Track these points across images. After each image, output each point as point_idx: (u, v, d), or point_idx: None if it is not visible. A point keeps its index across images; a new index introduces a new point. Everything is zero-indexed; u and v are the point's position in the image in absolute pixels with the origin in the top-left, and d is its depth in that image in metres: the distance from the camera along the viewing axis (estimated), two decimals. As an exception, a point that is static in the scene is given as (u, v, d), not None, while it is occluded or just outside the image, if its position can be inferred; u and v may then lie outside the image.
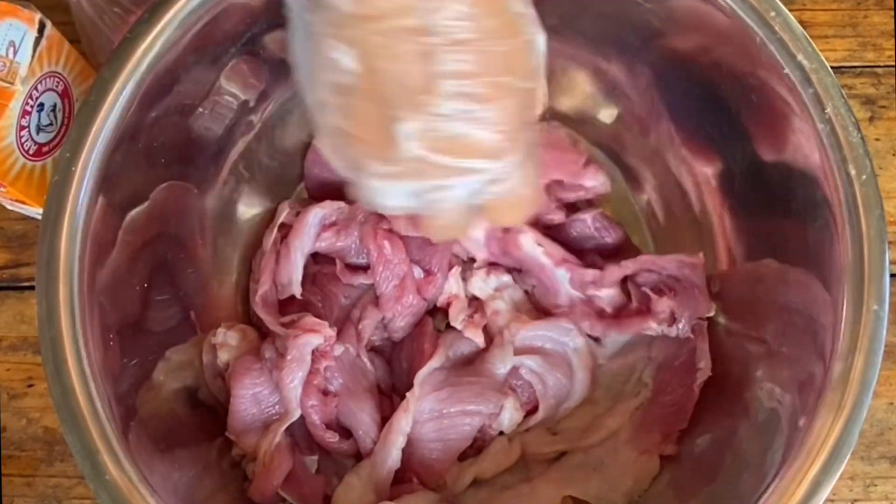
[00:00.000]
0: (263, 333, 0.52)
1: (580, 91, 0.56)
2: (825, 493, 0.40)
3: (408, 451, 0.49)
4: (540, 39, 0.38)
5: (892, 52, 0.59)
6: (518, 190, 0.39)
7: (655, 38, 0.50)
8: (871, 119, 0.59)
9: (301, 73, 0.38)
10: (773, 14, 0.42)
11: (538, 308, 0.54)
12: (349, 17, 0.34)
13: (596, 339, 0.53)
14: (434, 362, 0.50)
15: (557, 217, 0.54)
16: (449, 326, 0.53)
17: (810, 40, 0.42)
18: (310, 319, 0.49)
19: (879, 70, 0.59)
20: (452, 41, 0.34)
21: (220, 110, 0.51)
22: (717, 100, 0.49)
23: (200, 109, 0.49)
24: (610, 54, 0.54)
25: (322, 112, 0.37)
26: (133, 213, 0.46)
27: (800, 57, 0.42)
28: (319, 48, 0.36)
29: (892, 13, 0.60)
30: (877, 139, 0.58)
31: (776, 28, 0.42)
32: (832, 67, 0.42)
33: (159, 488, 0.41)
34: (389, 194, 0.38)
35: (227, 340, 0.50)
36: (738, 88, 0.46)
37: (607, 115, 0.56)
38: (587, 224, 0.54)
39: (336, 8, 0.34)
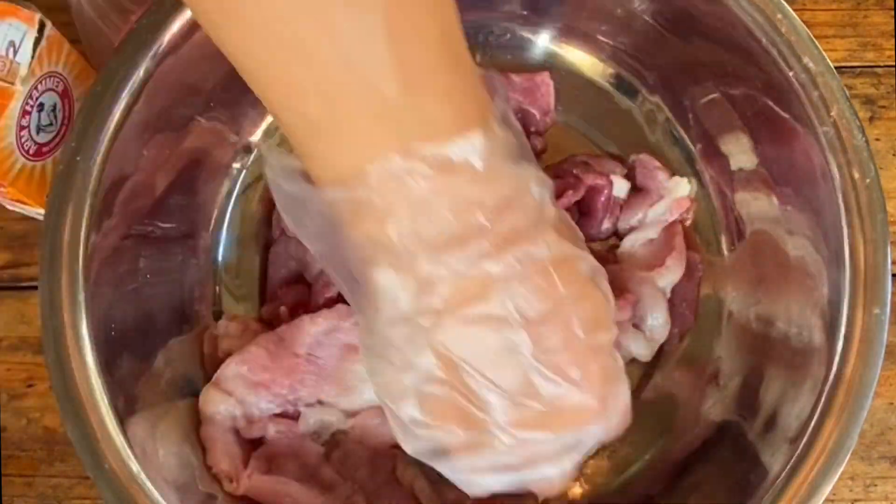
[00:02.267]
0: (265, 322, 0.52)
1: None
2: (825, 493, 0.40)
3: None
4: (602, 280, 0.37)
5: (892, 52, 0.59)
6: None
7: (660, 39, 0.50)
8: (871, 119, 0.59)
9: (376, 379, 0.37)
10: (779, 16, 0.42)
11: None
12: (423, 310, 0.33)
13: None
14: None
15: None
16: None
17: (816, 42, 0.42)
18: None
19: (879, 70, 0.59)
20: (534, 320, 0.33)
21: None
22: (720, 101, 0.49)
23: (212, 104, 0.49)
24: (616, 54, 0.54)
25: (400, 406, 0.36)
26: (137, 204, 0.46)
27: (805, 59, 0.42)
28: (389, 338, 0.34)
29: (892, 13, 0.60)
30: (877, 139, 0.58)
31: (782, 30, 0.42)
32: (831, 67, 0.43)
33: (158, 479, 0.41)
34: (487, 483, 0.37)
35: (229, 332, 0.50)
36: (743, 89, 0.47)
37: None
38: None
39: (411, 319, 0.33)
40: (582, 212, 0.54)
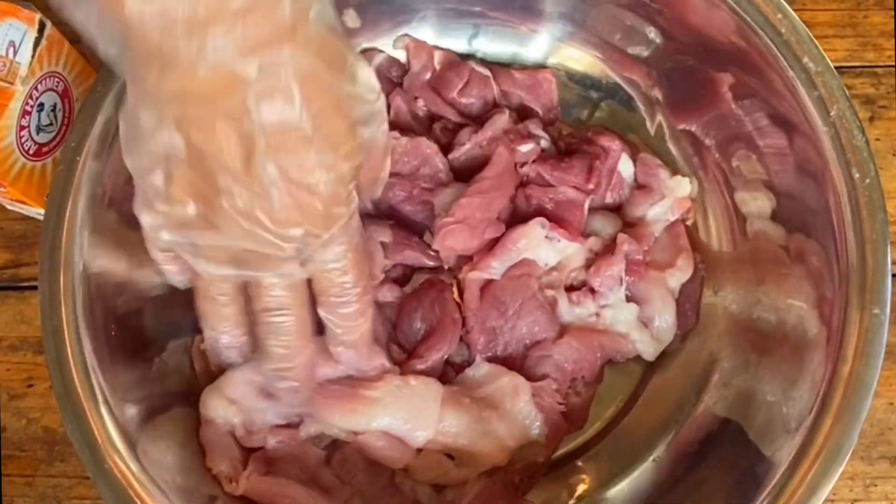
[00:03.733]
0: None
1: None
2: (825, 493, 0.40)
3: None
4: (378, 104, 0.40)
5: (892, 52, 0.59)
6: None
7: (661, 39, 0.50)
8: (871, 119, 0.59)
9: (123, 137, 0.38)
10: (779, 17, 0.42)
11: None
12: (167, 92, 0.34)
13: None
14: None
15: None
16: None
17: (816, 42, 0.42)
18: None
19: (879, 70, 0.59)
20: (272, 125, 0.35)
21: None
22: (720, 99, 0.49)
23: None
24: (616, 54, 0.54)
25: (147, 177, 0.37)
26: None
27: (805, 59, 0.42)
28: (139, 116, 0.36)
29: (892, 13, 0.60)
30: (877, 139, 0.58)
31: (782, 30, 0.42)
32: (831, 68, 0.43)
33: (157, 479, 0.41)
34: (216, 265, 0.39)
35: None
36: (742, 90, 0.47)
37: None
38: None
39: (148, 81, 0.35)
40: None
